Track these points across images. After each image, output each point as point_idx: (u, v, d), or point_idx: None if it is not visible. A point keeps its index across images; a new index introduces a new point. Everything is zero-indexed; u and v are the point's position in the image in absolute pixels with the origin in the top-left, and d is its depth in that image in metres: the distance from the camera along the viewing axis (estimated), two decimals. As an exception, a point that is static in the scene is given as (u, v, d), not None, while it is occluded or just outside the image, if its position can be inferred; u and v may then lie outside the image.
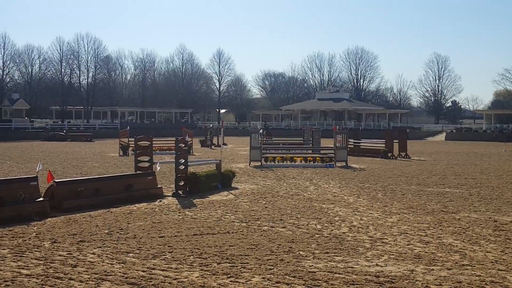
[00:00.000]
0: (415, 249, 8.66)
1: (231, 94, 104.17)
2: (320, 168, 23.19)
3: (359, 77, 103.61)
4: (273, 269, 7.43)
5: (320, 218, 11.34)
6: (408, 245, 8.94)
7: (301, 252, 8.37)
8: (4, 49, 73.65)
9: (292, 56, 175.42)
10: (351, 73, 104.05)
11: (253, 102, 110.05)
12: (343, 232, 9.91)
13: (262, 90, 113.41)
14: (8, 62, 75.08)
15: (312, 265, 7.63)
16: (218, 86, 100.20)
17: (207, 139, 43.16)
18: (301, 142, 36.22)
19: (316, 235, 9.63)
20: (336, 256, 8.17)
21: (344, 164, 24.71)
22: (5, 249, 8.36)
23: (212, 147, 41.39)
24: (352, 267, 7.52)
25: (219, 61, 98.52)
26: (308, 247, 8.70)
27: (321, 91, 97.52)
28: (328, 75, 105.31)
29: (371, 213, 12.01)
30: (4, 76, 74.60)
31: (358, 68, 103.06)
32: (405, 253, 8.35)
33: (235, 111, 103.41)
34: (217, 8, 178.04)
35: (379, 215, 11.77)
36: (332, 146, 25.82)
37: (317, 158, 25.02)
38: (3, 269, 7.25)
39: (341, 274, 7.19)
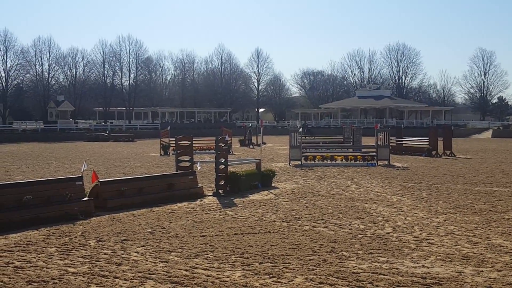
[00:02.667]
0: (463, 250, 8.39)
1: (269, 93, 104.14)
2: (361, 167, 22.86)
3: (400, 74, 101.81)
4: (315, 269, 7.33)
5: (362, 218, 11.14)
6: (455, 245, 8.67)
7: (344, 253, 8.23)
8: (49, 52, 75.94)
9: (332, 53, 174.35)
10: (392, 70, 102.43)
11: (291, 100, 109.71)
12: (387, 232, 9.70)
13: (301, 88, 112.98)
14: (54, 65, 77.40)
15: (355, 266, 7.48)
16: (256, 85, 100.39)
17: (246, 138, 43.27)
18: (342, 141, 35.88)
19: (359, 235, 9.46)
20: (381, 256, 7.99)
21: (386, 162, 24.29)
22: (52, 248, 8.56)
23: (251, 146, 41.46)
24: (397, 268, 7.34)
25: (258, 60, 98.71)
26: (351, 248, 8.55)
27: (361, 88, 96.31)
28: (369, 73, 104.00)
29: (416, 213, 11.72)
30: (50, 79, 76.84)
31: (400, 65, 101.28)
32: (452, 254, 8.09)
33: (273, 110, 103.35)
34: (256, 7, 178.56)
35: (424, 215, 11.47)
36: (374, 144, 25.42)
37: (358, 156, 24.67)
38: (50, 267, 7.42)
39: (386, 275, 7.02)
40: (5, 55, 70.10)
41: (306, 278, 6.93)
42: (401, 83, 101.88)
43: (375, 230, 9.88)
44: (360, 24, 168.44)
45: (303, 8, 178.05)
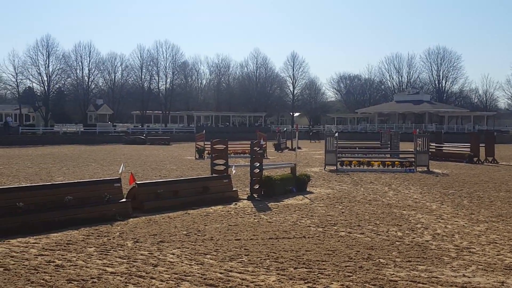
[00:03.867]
0: (505, 259, 8.13)
1: (305, 97, 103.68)
2: (399, 173, 22.47)
3: (441, 78, 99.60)
4: (352, 276, 7.23)
5: (400, 225, 10.94)
6: (497, 255, 8.41)
7: (381, 260, 8.09)
8: (89, 57, 77.59)
9: (369, 57, 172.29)
10: (432, 74, 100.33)
11: (327, 105, 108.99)
12: (426, 240, 9.49)
13: (336, 92, 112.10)
14: (93, 69, 79.01)
15: (393, 274, 7.35)
16: (292, 89, 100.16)
17: (280, 142, 43.16)
18: (379, 146, 35.38)
19: (397, 243, 9.29)
20: (419, 265, 7.82)
21: (426, 169, 23.79)
22: (91, 247, 8.73)
23: (280, 151, 41.35)
24: (436, 277, 7.17)
25: (293, 64, 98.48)
26: (388, 255, 8.41)
27: (399, 93, 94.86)
28: (407, 77, 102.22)
29: (457, 221, 11.43)
30: (90, 83, 78.51)
31: (440, 69, 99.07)
32: (494, 264, 7.85)
33: (308, 115, 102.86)
34: (291, 11, 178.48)
35: (465, 223, 11.18)
36: (412, 150, 24.97)
37: (396, 162, 24.27)
38: (89, 266, 7.56)
39: (425, 284, 6.86)
40: (47, 60, 71.98)
41: (342, 285, 6.85)
42: (441, 87, 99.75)
43: (413, 238, 9.68)
44: (399, 28, 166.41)
45: (340, 11, 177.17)
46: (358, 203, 13.96)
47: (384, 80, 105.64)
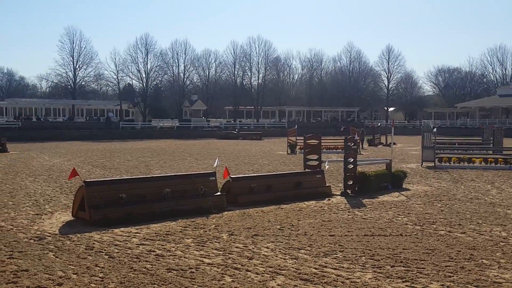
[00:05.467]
0: None
1: (400, 92, 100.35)
2: (503, 171, 21.12)
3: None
4: (452, 276, 6.91)
5: (505, 225, 10.28)
6: None
7: (484, 261, 7.67)
8: (185, 54, 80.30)
9: (470, 49, 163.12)
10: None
11: (424, 99, 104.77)
12: (534, 242, 8.85)
13: (434, 86, 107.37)
14: (189, 66, 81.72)
15: (497, 275, 6.93)
16: (386, 83, 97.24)
17: (374, 139, 42.14)
18: (480, 142, 33.55)
19: (501, 243, 8.75)
20: (528, 268, 7.30)
21: (532, 166, 22.20)
22: (189, 239, 9.04)
23: (380, 146, 40.36)
24: (548, 282, 6.65)
25: (388, 57, 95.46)
26: (492, 256, 7.94)
27: (503, 86, 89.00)
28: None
29: None
30: (185, 79, 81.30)
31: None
32: None
33: (404, 109, 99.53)
34: (385, 3, 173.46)
35: None
36: (517, 146, 23.37)
37: (499, 159, 22.83)
38: (187, 257, 7.83)
39: (535, 289, 6.40)
40: (146, 58, 75.44)
41: (442, 285, 6.57)
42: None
43: (520, 239, 9.06)
44: (502, 17, 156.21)
45: (438, 1, 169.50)
46: (459, 201, 13.31)
47: (486, 73, 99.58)
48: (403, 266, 7.37)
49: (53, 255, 7.92)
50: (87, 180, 11.14)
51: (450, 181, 17.63)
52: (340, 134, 60.89)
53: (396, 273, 7.04)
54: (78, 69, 73.33)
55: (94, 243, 8.64)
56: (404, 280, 6.77)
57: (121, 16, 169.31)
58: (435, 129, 24.58)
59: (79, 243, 8.68)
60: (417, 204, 12.92)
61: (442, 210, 11.98)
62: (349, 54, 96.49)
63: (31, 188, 15.41)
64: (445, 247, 8.51)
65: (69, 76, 73.35)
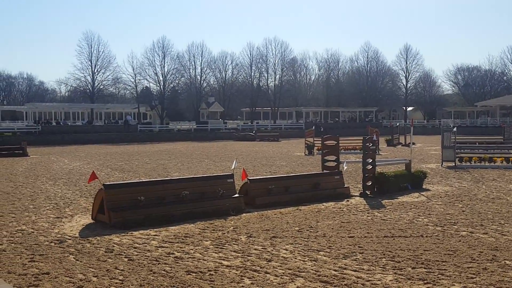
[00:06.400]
0: None
1: (418, 91, 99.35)
2: (524, 170, 20.77)
3: None
4: (475, 278, 6.80)
5: (529, 225, 10.09)
6: None
7: (508, 262, 7.53)
8: (202, 56, 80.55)
9: (489, 47, 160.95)
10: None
11: (443, 98, 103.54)
12: (559, 243, 8.66)
13: (453, 85, 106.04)
14: (205, 68, 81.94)
15: (522, 277, 6.79)
16: (404, 83, 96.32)
17: (392, 139, 41.77)
18: (501, 141, 33.04)
19: (526, 244, 8.58)
20: (553, 269, 7.14)
21: (555, 165, 21.78)
22: (207, 241, 9.03)
23: (399, 146, 40.00)
24: None
25: (406, 57, 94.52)
26: (516, 257, 7.79)
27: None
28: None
29: None
30: (202, 81, 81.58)
31: None
32: None
33: (423, 109, 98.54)
34: (403, 2, 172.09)
35: None
36: (539, 145, 22.94)
37: (521, 158, 22.44)
38: (206, 259, 7.83)
39: (562, 291, 6.25)
40: (163, 61, 75.86)
41: (464, 287, 6.47)
42: None
43: (545, 240, 8.88)
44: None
45: None
46: (480, 202, 13.11)
47: (506, 71, 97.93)
48: (424, 268, 7.27)
49: (73, 258, 7.98)
50: (106, 183, 11.22)
51: (471, 181, 17.38)
52: (321, 134, 60.29)
53: (417, 275, 6.94)
54: (96, 73, 74.06)
55: (113, 246, 8.68)
56: (425, 282, 6.67)
57: (138, 19, 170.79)
58: (455, 128, 24.26)
59: (99, 245, 8.73)
60: (438, 204, 12.75)
61: (463, 211, 11.81)
62: (366, 53, 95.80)
63: (51, 192, 15.58)
64: (467, 248, 8.38)
65: (88, 80, 74.14)
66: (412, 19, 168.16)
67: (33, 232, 9.85)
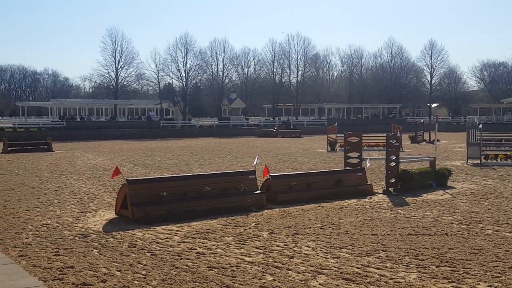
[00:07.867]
0: None
1: (443, 87, 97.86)
2: (552, 167, 20.32)
3: None
4: (501, 277, 6.68)
5: (557, 225, 9.86)
6: None
7: (535, 262, 7.36)
8: (224, 53, 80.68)
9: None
10: None
11: (469, 95, 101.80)
12: None
13: (479, 81, 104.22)
14: (228, 64, 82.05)
15: (550, 278, 6.63)
16: (429, 79, 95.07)
17: (416, 135, 41.25)
18: (528, 138, 32.30)
19: (554, 244, 8.38)
20: None
21: None
22: (229, 237, 9.04)
23: (423, 143, 39.51)
24: None
25: (431, 52, 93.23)
26: (544, 257, 7.61)
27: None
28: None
29: None
30: (224, 77, 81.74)
31: None
32: None
33: (448, 105, 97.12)
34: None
35: None
36: None
37: (549, 156, 21.97)
38: (228, 255, 7.83)
39: None
40: (185, 57, 76.23)
41: (490, 286, 6.35)
42: None
43: None
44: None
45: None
46: (506, 200, 12.86)
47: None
48: (449, 266, 7.16)
49: (97, 252, 8.07)
50: (129, 179, 11.32)
51: (497, 179, 17.07)
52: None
53: (442, 274, 6.84)
54: (120, 69, 74.92)
55: (136, 241, 8.75)
56: (450, 280, 6.57)
57: (161, 16, 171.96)
58: (480, 125, 23.85)
59: (122, 240, 8.81)
60: (463, 202, 12.55)
61: (489, 209, 11.61)
62: (390, 49, 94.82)
63: (75, 187, 15.80)
64: (492, 246, 8.23)
65: (111, 76, 75.05)
66: (437, 14, 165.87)
67: (58, 227, 9.99)
